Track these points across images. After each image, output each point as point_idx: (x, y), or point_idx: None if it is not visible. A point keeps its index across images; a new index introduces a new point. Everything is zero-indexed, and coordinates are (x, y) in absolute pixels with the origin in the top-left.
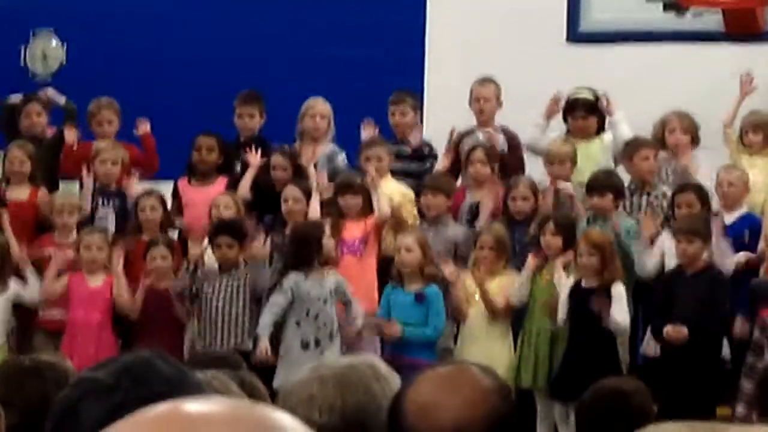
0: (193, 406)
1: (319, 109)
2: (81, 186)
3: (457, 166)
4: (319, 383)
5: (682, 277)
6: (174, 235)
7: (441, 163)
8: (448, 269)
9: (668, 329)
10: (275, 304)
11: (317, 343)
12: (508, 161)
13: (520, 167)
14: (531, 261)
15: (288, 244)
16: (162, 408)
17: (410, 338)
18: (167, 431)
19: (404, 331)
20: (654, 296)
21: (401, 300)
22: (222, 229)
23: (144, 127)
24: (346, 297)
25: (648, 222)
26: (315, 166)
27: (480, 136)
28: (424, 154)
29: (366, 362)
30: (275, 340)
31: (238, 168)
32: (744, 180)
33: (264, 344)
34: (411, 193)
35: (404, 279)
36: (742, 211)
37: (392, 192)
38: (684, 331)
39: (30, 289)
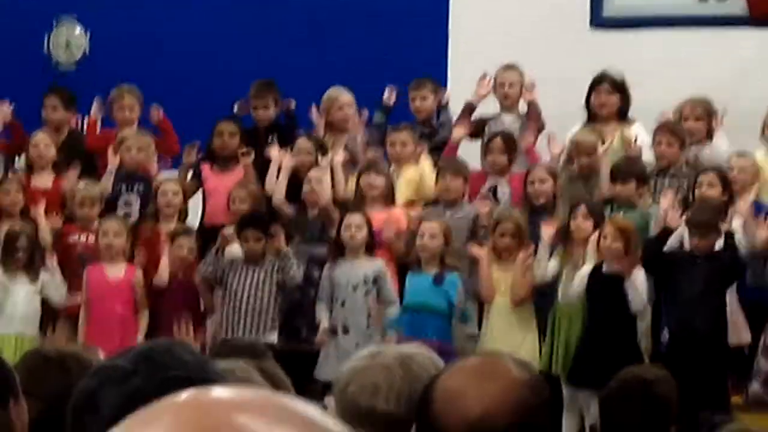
0: (219, 391)
1: (343, 99)
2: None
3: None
4: (383, 371)
5: (693, 259)
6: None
7: (456, 133)
8: (476, 250)
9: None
10: (323, 289)
11: (345, 330)
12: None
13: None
14: (545, 233)
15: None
16: (188, 393)
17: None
18: (195, 416)
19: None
20: (663, 275)
21: (419, 281)
22: (249, 222)
23: (158, 114)
24: (382, 283)
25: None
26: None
27: (506, 120)
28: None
29: (422, 352)
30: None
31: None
32: (755, 167)
33: (323, 328)
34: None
35: (423, 264)
36: (750, 198)
37: (414, 178)
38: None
39: (55, 287)
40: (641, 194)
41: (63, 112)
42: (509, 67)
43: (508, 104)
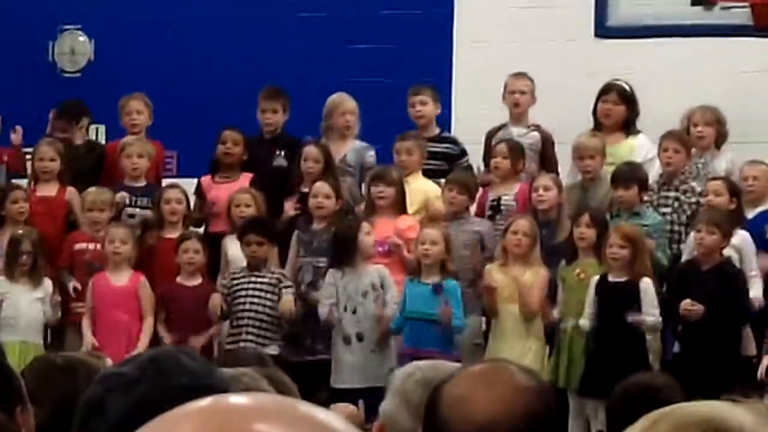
0: (238, 399)
1: (347, 106)
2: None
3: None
4: None
5: (696, 272)
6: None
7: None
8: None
9: (685, 303)
10: (326, 289)
11: (359, 337)
12: (542, 160)
13: (554, 167)
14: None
15: (331, 243)
16: (208, 401)
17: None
18: (216, 423)
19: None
20: (668, 290)
21: (419, 291)
22: (251, 227)
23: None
24: (386, 287)
25: None
26: (344, 161)
27: (514, 132)
28: (446, 137)
29: None
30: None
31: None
32: None
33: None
34: (439, 190)
35: (422, 272)
36: (765, 206)
37: (422, 189)
38: (699, 308)
39: (47, 305)
40: (642, 199)
41: (71, 129)
42: (519, 75)
43: (518, 112)
